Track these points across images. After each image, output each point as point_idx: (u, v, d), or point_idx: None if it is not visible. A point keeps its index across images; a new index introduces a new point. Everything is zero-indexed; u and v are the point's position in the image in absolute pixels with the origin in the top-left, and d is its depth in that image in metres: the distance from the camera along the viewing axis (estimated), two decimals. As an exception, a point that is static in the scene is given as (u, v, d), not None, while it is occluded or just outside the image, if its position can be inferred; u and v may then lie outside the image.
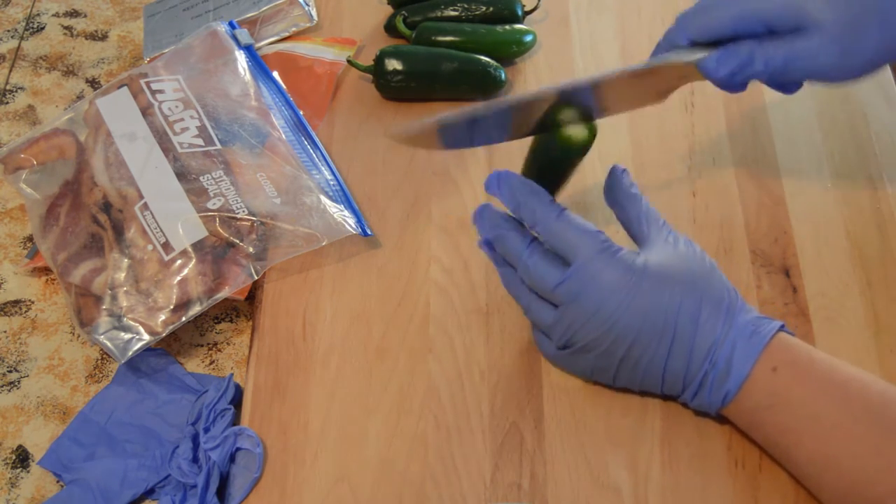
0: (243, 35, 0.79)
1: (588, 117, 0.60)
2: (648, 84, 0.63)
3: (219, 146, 0.71)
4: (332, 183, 0.72)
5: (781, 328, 0.58)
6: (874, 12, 0.57)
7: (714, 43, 0.60)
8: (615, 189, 0.62)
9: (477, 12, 0.82)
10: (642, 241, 0.60)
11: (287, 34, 0.84)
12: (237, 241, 0.67)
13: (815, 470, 0.55)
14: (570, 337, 0.58)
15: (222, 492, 0.60)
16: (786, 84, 0.63)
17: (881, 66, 0.59)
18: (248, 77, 0.77)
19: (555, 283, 0.57)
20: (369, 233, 0.70)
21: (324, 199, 0.70)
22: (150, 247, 0.66)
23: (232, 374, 0.64)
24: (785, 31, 0.58)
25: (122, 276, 0.66)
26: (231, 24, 0.80)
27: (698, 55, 0.60)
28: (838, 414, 0.54)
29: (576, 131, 0.60)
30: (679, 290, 0.56)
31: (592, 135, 0.60)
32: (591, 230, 0.58)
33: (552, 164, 0.62)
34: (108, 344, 0.64)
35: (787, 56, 0.58)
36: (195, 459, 0.61)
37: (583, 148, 0.60)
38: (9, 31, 0.88)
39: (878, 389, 0.55)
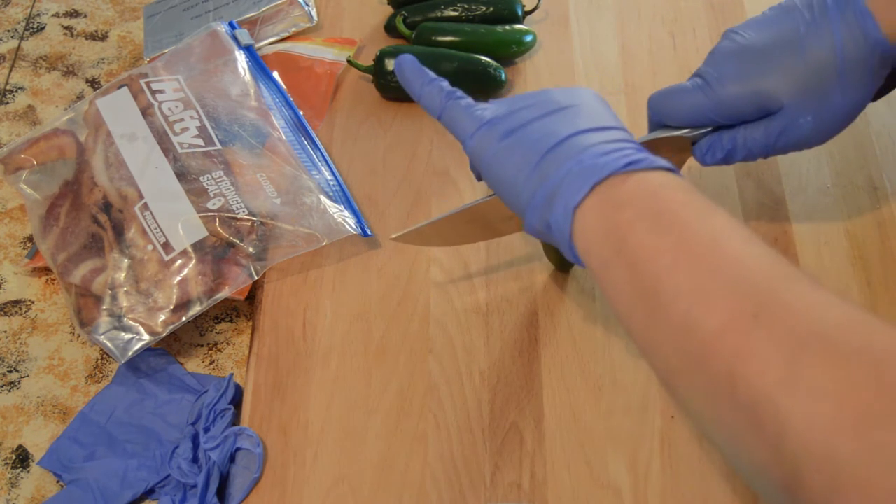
0: (243, 35, 0.79)
1: None
2: None
3: (219, 146, 0.71)
4: (332, 183, 0.72)
5: (670, 169, 0.49)
6: (833, 77, 0.58)
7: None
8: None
9: (477, 12, 0.82)
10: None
11: (287, 34, 0.84)
12: (237, 242, 0.67)
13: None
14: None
15: (222, 492, 0.60)
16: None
17: (856, 115, 0.60)
18: (248, 77, 0.77)
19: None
20: (369, 233, 0.70)
21: (324, 199, 0.70)
22: (150, 247, 0.66)
23: (232, 374, 0.64)
24: (754, 118, 0.60)
25: (122, 276, 0.66)
26: (231, 25, 0.80)
27: (675, 133, 0.62)
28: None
29: None
30: (540, 118, 0.53)
31: None
32: (471, 109, 0.55)
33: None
34: (108, 344, 0.64)
35: (765, 138, 0.60)
36: (195, 459, 0.61)
37: None
38: (9, 31, 0.88)
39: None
